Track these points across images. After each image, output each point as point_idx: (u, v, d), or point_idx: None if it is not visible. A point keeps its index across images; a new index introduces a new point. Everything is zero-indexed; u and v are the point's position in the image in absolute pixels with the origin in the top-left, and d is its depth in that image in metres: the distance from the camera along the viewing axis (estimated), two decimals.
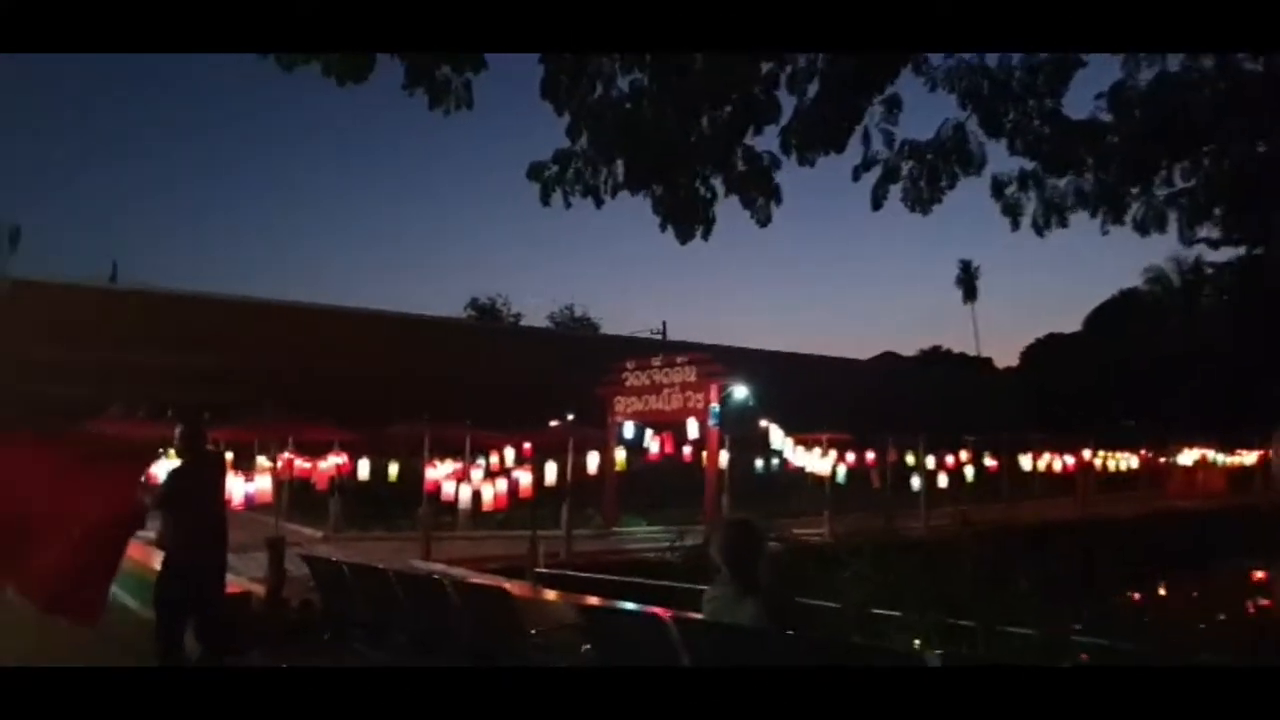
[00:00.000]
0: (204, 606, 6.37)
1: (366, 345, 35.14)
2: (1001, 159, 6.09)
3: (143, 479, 6.16)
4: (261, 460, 22.34)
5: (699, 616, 4.61)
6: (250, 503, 11.44)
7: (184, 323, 32.36)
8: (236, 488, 11.47)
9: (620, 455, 17.51)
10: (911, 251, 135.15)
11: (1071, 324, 62.68)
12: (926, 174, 5.97)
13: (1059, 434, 28.99)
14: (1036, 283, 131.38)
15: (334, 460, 17.84)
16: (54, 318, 30.04)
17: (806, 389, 24.47)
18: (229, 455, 21.69)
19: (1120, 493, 29.49)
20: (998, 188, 6.41)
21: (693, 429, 17.14)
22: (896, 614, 8.05)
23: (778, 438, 17.91)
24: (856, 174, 5.90)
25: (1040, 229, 6.61)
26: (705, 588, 8.97)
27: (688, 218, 6.03)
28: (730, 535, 4.50)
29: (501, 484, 13.46)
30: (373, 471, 19.12)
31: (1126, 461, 29.54)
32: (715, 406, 17.10)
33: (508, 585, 9.24)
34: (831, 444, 20.03)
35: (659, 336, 46.82)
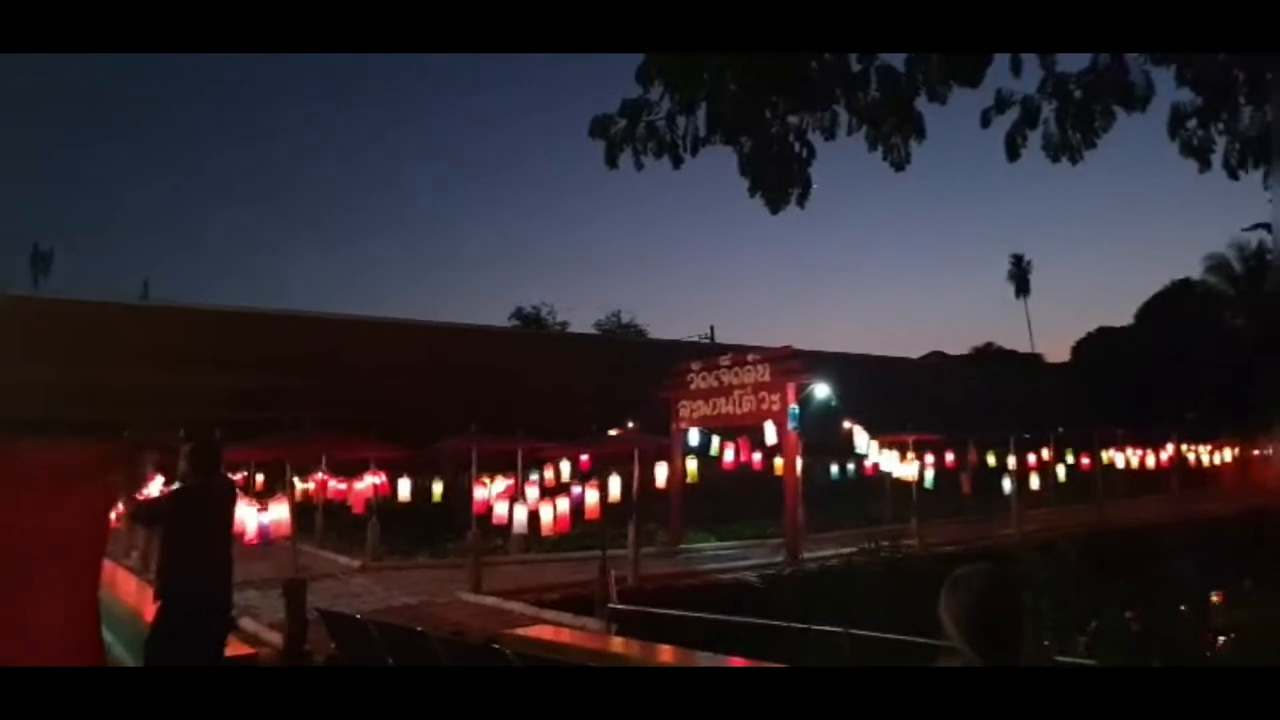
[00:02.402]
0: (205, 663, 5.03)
1: (407, 357, 33.82)
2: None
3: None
4: (297, 483, 20.96)
5: None
6: (265, 536, 9.74)
7: (215, 339, 31.26)
8: (249, 519, 9.79)
9: (691, 465, 15.65)
10: (954, 247, 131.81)
11: (1122, 317, 60.64)
12: (1075, 114, 5.30)
13: (1142, 429, 26.59)
14: (1084, 276, 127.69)
15: (371, 480, 16.19)
16: (76, 338, 29.01)
17: (876, 389, 22.45)
18: (259, 478, 20.52)
19: (1202, 489, 27.02)
20: (1177, 120, 5.59)
21: (770, 433, 15.25)
22: None
23: (862, 440, 15.95)
24: (987, 118, 5.26)
25: (1234, 170, 5.78)
26: (806, 625, 6.89)
27: (781, 179, 5.34)
28: (976, 598, 2.62)
29: (563, 503, 11.62)
30: (414, 491, 17.50)
31: (1219, 456, 27.01)
32: (794, 408, 15.19)
33: (592, 647, 7.53)
34: (917, 446, 18.01)
35: (707, 341, 45.22)
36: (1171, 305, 54.28)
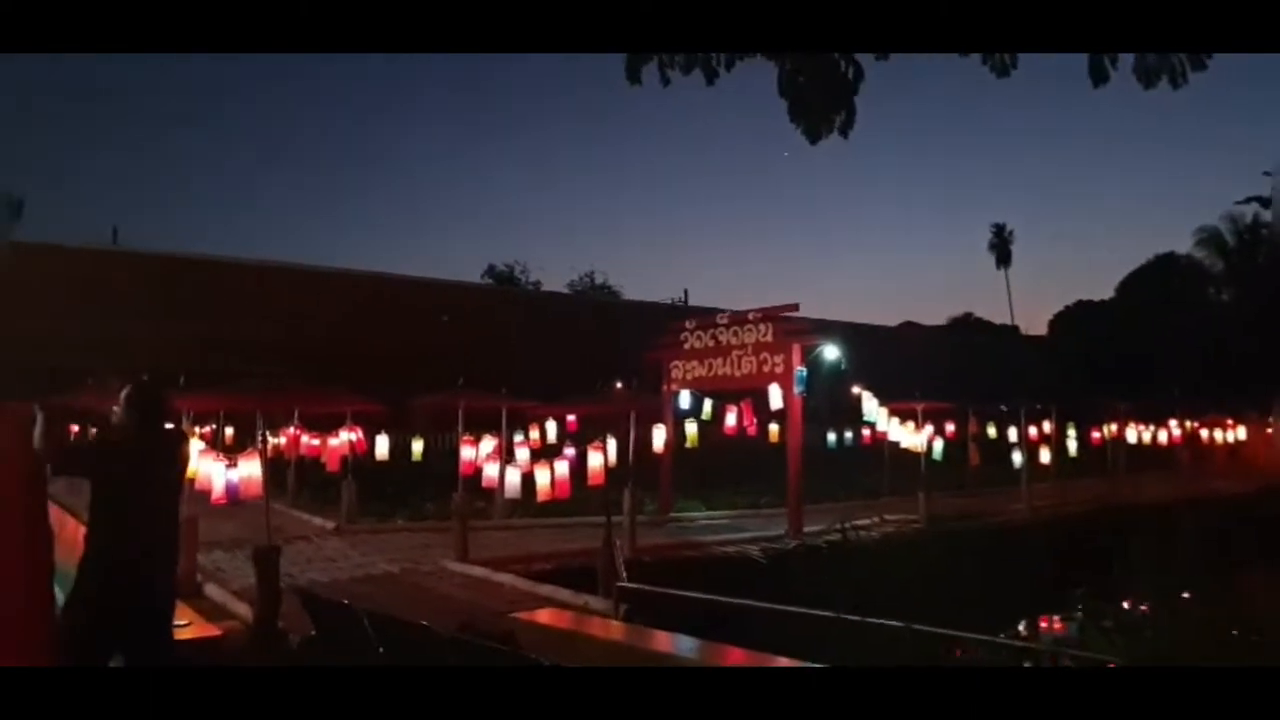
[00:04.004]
0: (133, 646, 4.22)
1: (384, 312, 32.65)
2: None
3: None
4: (269, 438, 19.80)
5: None
6: (233, 495, 8.70)
7: (187, 287, 29.96)
8: (216, 475, 8.76)
9: (691, 429, 14.73)
10: (926, 217, 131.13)
11: (1102, 291, 60.33)
12: None
13: (1146, 403, 26.00)
14: (1065, 249, 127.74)
15: (346, 436, 15.16)
16: (42, 284, 27.63)
17: (876, 356, 21.63)
18: (229, 431, 19.44)
19: (1202, 465, 26.56)
20: None
21: (775, 397, 14.35)
22: None
23: (870, 407, 15.15)
24: None
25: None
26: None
27: (824, 103, 4.90)
28: None
29: (561, 466, 10.63)
30: (393, 450, 16.49)
31: (1232, 433, 26.55)
32: (802, 370, 14.29)
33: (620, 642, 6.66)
34: (926, 415, 17.22)
35: (682, 304, 44.30)
36: (1153, 279, 53.88)
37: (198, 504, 9.92)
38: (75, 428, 14.22)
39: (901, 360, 29.33)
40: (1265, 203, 49.47)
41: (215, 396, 9.72)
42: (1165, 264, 54.87)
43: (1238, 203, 50.42)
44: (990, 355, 48.53)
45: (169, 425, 4.81)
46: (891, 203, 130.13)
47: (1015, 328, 65.30)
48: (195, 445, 9.94)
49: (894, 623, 6.48)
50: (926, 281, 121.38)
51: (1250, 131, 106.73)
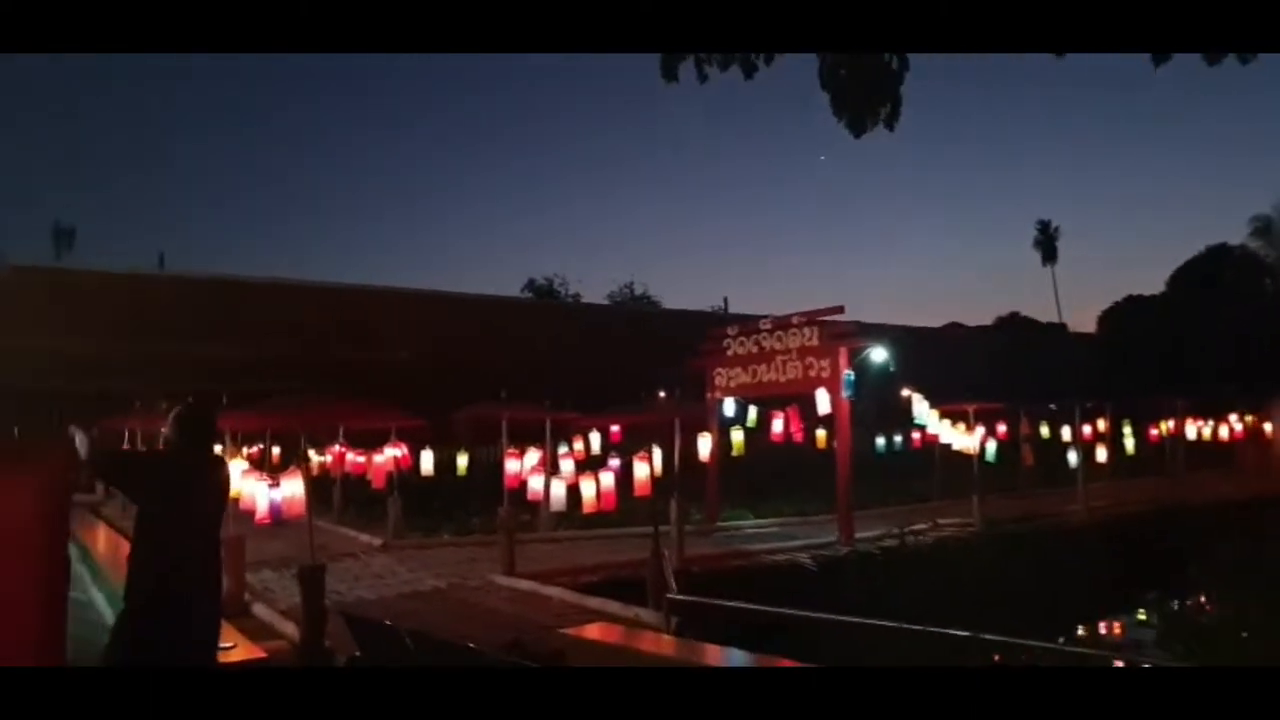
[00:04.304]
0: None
1: (422, 328, 32.81)
2: None
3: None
4: (313, 456, 19.87)
5: None
6: (277, 515, 8.62)
7: (230, 309, 30.35)
8: (260, 495, 8.68)
9: (738, 437, 14.48)
10: (973, 215, 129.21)
11: (1153, 285, 59.02)
12: None
13: (1205, 398, 25.23)
14: (1113, 244, 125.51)
15: (391, 453, 15.10)
16: (90, 308, 28.13)
17: (921, 358, 21.24)
18: (275, 451, 19.50)
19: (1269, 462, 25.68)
20: None
21: (823, 402, 14.06)
22: None
23: (921, 410, 14.79)
24: None
25: None
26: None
27: (868, 96, 4.83)
28: None
29: (607, 477, 10.42)
30: (438, 465, 16.42)
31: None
32: (850, 374, 13.99)
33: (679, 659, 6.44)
34: (978, 416, 16.81)
35: (722, 312, 44.10)
36: (1205, 271, 52.59)
37: (243, 524, 9.93)
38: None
39: (948, 362, 28.90)
40: None
41: (257, 415, 9.66)
42: (1218, 255, 53.75)
43: None
44: (1038, 354, 47.65)
45: (216, 449, 4.74)
46: (933, 202, 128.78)
47: (1063, 325, 64.20)
48: (238, 465, 9.94)
49: (959, 632, 6.21)
50: (970, 281, 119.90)
51: None
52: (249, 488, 8.96)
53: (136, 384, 19.68)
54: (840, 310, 14.72)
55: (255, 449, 21.82)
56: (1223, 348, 42.03)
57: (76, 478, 4.17)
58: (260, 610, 9.18)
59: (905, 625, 6.61)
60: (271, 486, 8.51)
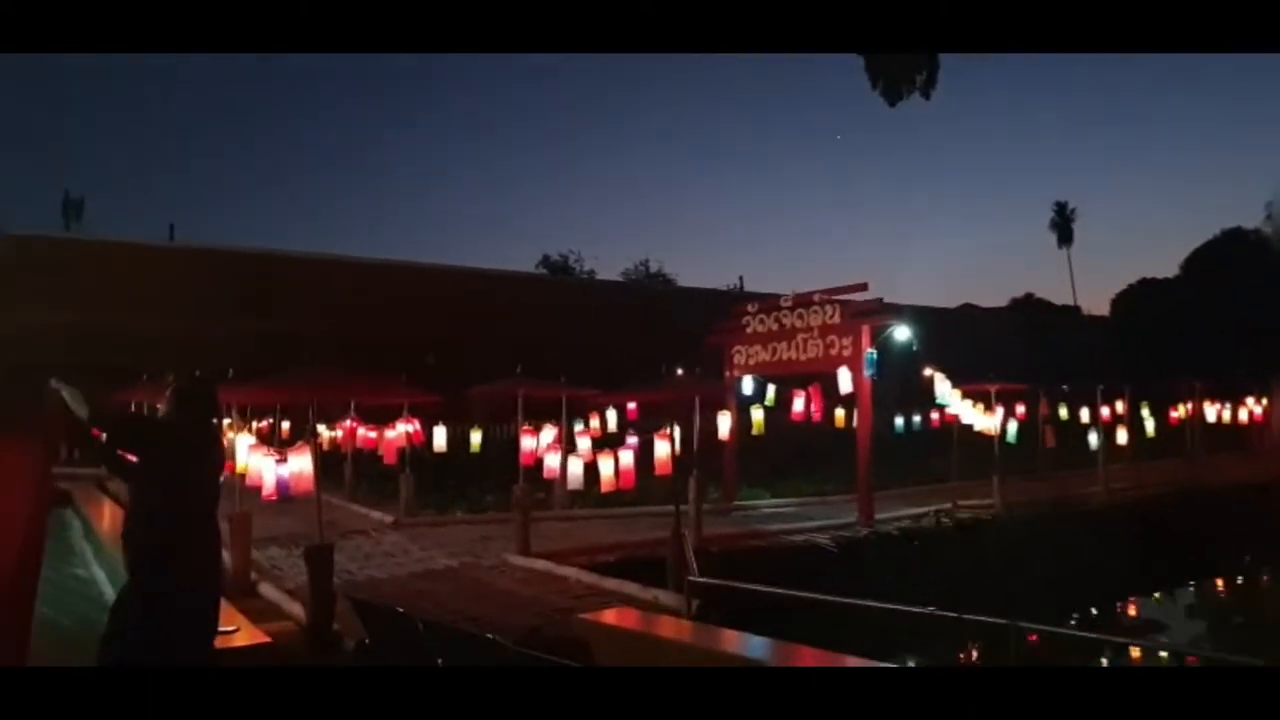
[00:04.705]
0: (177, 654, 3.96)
1: (435, 303, 32.54)
2: None
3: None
4: (324, 431, 19.56)
5: None
6: (284, 491, 8.35)
7: (242, 283, 30.10)
8: (267, 471, 8.41)
9: (757, 415, 14.17)
10: (986, 197, 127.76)
11: (1168, 268, 58.32)
12: None
13: (1222, 381, 24.81)
14: (1129, 226, 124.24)
15: (403, 428, 14.84)
16: (97, 280, 27.94)
17: (938, 339, 20.85)
18: (284, 425, 19.30)
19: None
20: None
21: (845, 381, 13.73)
22: None
23: (943, 389, 14.47)
24: None
25: None
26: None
27: (905, 60, 5.10)
28: None
29: (626, 456, 10.12)
30: (451, 441, 16.16)
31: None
32: (872, 353, 13.65)
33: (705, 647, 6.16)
34: (999, 397, 16.45)
35: (737, 290, 43.75)
36: (1220, 255, 51.94)
37: (250, 500, 9.69)
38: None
39: (963, 343, 28.46)
40: None
41: (265, 389, 9.36)
42: (1233, 239, 53.06)
43: None
44: (1053, 336, 47.18)
45: (215, 421, 4.47)
46: (949, 184, 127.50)
47: (1077, 308, 63.53)
48: (245, 440, 9.69)
49: (995, 619, 5.90)
50: (986, 262, 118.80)
51: None
52: (256, 463, 8.70)
53: (143, 359, 19.49)
54: (864, 288, 14.36)
55: (265, 423, 21.67)
56: (1237, 331, 41.48)
57: (58, 445, 3.90)
58: (267, 590, 8.95)
59: (933, 610, 6.32)
60: (279, 462, 8.23)
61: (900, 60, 5.89)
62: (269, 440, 14.07)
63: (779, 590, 7.24)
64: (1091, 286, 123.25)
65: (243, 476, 9.28)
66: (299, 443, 8.58)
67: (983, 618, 5.96)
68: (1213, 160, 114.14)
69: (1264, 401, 24.44)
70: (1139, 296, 55.38)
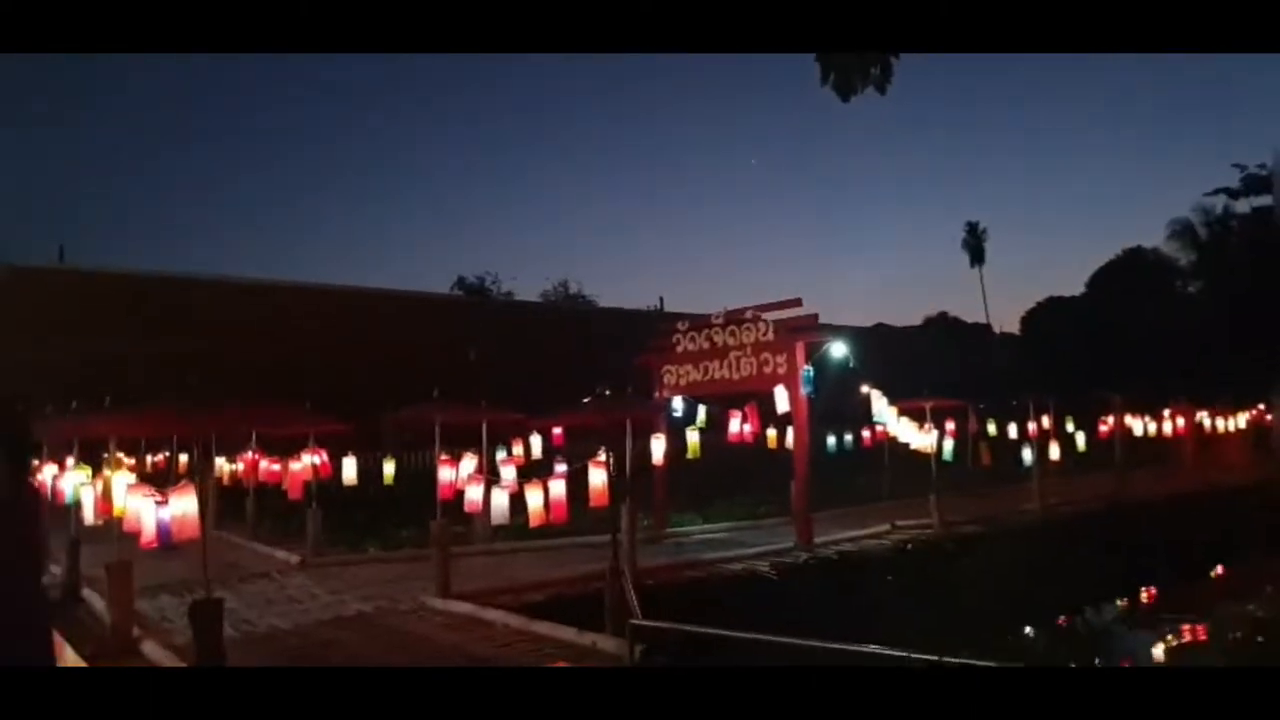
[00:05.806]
0: None
1: (342, 327, 31.22)
2: None
3: None
4: (224, 465, 18.12)
5: None
6: (166, 537, 7.27)
7: (138, 305, 28.35)
8: (146, 514, 7.31)
9: (693, 438, 13.45)
10: (895, 215, 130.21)
11: (1071, 287, 60.09)
12: None
13: (1142, 395, 25.06)
14: (1032, 245, 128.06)
15: (309, 460, 13.72)
16: None
17: (868, 356, 20.53)
18: (182, 459, 17.92)
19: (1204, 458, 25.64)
20: None
21: (782, 399, 13.15)
22: None
23: (880, 407, 14.01)
24: None
25: None
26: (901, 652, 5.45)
27: (859, 59, 4.68)
28: None
29: (557, 485, 9.22)
30: (362, 473, 15.07)
31: (1233, 422, 25.65)
32: (809, 370, 13.10)
33: None
34: (934, 413, 16.09)
35: (658, 311, 43.24)
36: (1123, 273, 53.68)
37: (130, 546, 8.56)
38: None
39: (881, 362, 28.35)
40: (1234, 194, 49.61)
41: (135, 418, 8.17)
42: (1134, 258, 54.80)
43: (1207, 194, 50.57)
44: (968, 353, 47.93)
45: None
46: (860, 203, 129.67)
47: (988, 326, 64.76)
48: (124, 479, 8.58)
49: (979, 662, 5.26)
50: (898, 282, 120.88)
51: (1219, 126, 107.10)
52: (134, 505, 7.62)
53: (20, 386, 17.92)
54: (798, 304, 13.82)
55: (161, 457, 20.15)
56: (1142, 346, 42.67)
57: None
58: (150, 649, 7.84)
59: (912, 655, 5.66)
60: (160, 504, 7.16)
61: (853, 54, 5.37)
62: (164, 477, 12.82)
63: (735, 634, 6.50)
64: (1002, 306, 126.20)
65: (120, 520, 8.17)
66: (182, 482, 7.50)
67: (967, 660, 5.33)
68: (1118, 182, 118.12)
69: (1186, 414, 24.76)
70: (1047, 313, 56.72)
